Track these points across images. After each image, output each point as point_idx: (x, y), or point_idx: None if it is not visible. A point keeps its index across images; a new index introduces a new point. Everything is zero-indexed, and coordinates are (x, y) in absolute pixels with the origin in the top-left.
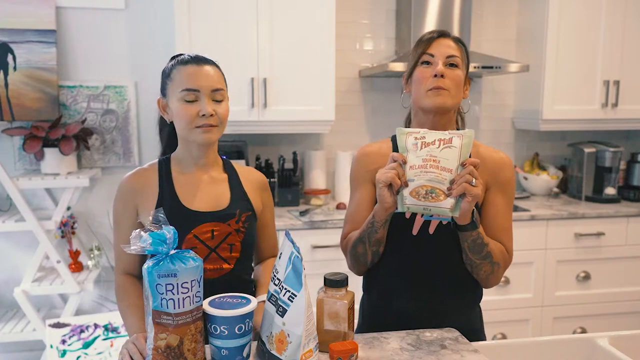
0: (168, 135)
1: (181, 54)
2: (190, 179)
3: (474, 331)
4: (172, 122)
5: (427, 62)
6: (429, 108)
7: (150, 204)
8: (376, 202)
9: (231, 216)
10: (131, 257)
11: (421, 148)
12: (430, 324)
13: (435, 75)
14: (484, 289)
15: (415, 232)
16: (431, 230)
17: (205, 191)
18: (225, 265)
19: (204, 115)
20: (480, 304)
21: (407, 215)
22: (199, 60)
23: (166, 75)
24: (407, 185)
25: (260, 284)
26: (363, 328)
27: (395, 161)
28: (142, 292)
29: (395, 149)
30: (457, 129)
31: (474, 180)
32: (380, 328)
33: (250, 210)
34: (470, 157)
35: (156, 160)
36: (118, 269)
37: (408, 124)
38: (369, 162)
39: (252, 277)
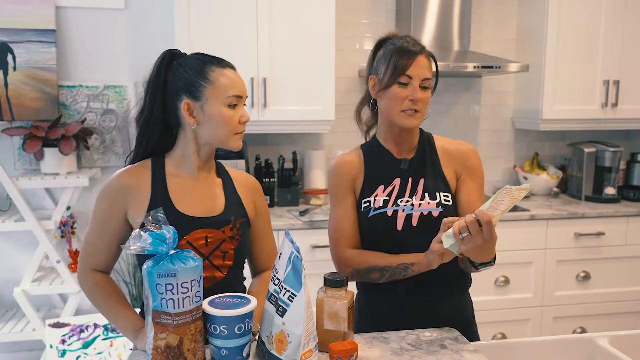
0: (160, 137)
1: (178, 51)
2: (185, 182)
3: (466, 322)
4: (169, 125)
5: (405, 83)
6: (403, 127)
7: (142, 206)
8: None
9: (226, 223)
10: (105, 256)
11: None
12: (424, 311)
13: (412, 100)
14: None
15: (400, 227)
16: (414, 222)
17: (200, 196)
18: (218, 274)
19: (245, 121)
20: (470, 293)
21: (390, 214)
22: (230, 64)
23: (202, 77)
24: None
25: (250, 295)
26: (360, 322)
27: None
28: (120, 290)
29: (366, 156)
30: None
31: (465, 233)
32: (375, 320)
33: (245, 217)
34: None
35: (148, 159)
36: (86, 266)
37: (369, 130)
38: (344, 171)
39: (243, 285)
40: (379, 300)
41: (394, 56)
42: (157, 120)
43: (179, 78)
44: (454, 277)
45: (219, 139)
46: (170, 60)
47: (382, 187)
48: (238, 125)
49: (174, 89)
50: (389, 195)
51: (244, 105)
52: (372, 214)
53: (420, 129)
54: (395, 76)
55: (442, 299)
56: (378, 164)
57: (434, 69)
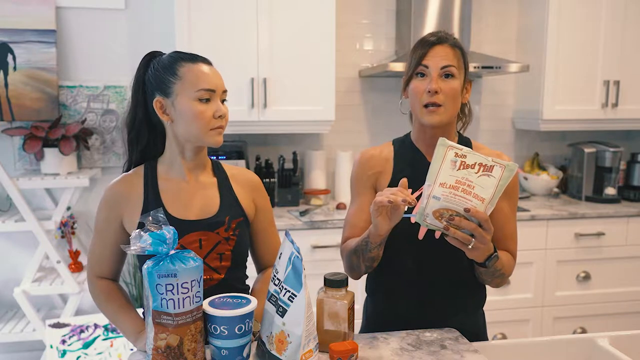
0: (148, 139)
1: (159, 52)
2: (177, 185)
3: (476, 334)
4: (154, 126)
5: (422, 74)
6: (425, 125)
7: (135, 212)
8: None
9: (220, 224)
10: (108, 263)
11: (459, 168)
12: (434, 327)
13: (429, 92)
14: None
15: (421, 237)
16: (437, 235)
17: (193, 198)
18: (216, 276)
19: (220, 116)
20: (483, 307)
21: (413, 221)
22: (204, 59)
23: (170, 73)
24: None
25: (254, 292)
26: (367, 330)
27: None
28: (126, 294)
29: (397, 153)
30: (457, 132)
31: (472, 242)
32: (384, 330)
33: (242, 216)
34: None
35: (141, 165)
36: (93, 274)
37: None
38: (369, 166)
39: (246, 285)
40: (388, 318)
41: (413, 49)
42: (140, 122)
43: (152, 77)
44: (469, 293)
45: (194, 135)
46: (148, 61)
47: (409, 191)
48: (212, 120)
49: (149, 88)
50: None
51: (224, 100)
52: None
53: (459, 133)
54: (411, 67)
55: (455, 314)
56: (408, 165)
57: (462, 59)
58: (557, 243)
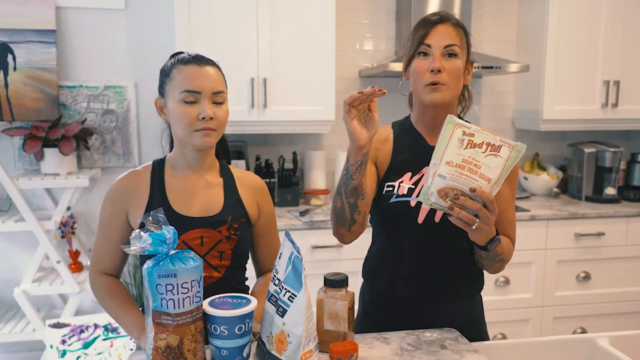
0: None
1: (181, 52)
2: (183, 182)
3: (475, 319)
4: (169, 124)
5: (425, 53)
6: (428, 104)
7: (140, 207)
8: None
9: (222, 223)
10: (111, 259)
11: (466, 147)
12: (433, 311)
13: (432, 71)
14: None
15: (420, 220)
16: (437, 219)
17: (197, 196)
18: (215, 274)
19: (204, 118)
20: (481, 292)
21: (413, 204)
22: (200, 60)
23: (165, 74)
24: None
25: (253, 294)
26: (364, 317)
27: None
28: (128, 291)
29: (397, 136)
30: (458, 116)
31: (476, 222)
32: (382, 317)
33: (244, 217)
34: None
35: (150, 162)
36: (96, 270)
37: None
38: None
39: (245, 285)
40: (386, 304)
41: (414, 28)
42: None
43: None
44: (468, 278)
45: (180, 135)
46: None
47: (409, 174)
48: (196, 121)
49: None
50: (415, 184)
51: (217, 102)
52: (393, 200)
53: (459, 117)
54: (413, 47)
55: (454, 300)
56: (408, 148)
57: (465, 39)
58: (557, 243)
